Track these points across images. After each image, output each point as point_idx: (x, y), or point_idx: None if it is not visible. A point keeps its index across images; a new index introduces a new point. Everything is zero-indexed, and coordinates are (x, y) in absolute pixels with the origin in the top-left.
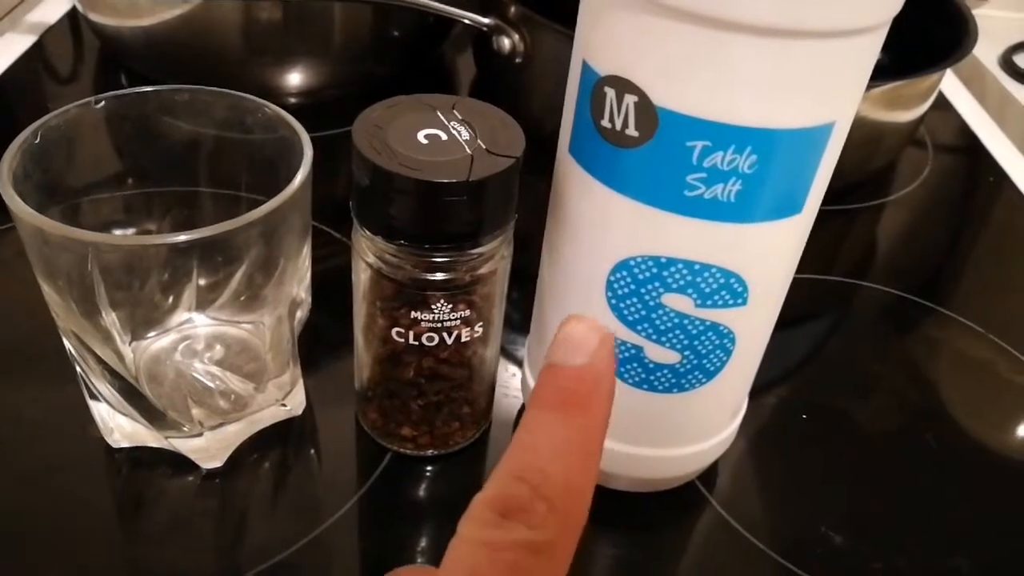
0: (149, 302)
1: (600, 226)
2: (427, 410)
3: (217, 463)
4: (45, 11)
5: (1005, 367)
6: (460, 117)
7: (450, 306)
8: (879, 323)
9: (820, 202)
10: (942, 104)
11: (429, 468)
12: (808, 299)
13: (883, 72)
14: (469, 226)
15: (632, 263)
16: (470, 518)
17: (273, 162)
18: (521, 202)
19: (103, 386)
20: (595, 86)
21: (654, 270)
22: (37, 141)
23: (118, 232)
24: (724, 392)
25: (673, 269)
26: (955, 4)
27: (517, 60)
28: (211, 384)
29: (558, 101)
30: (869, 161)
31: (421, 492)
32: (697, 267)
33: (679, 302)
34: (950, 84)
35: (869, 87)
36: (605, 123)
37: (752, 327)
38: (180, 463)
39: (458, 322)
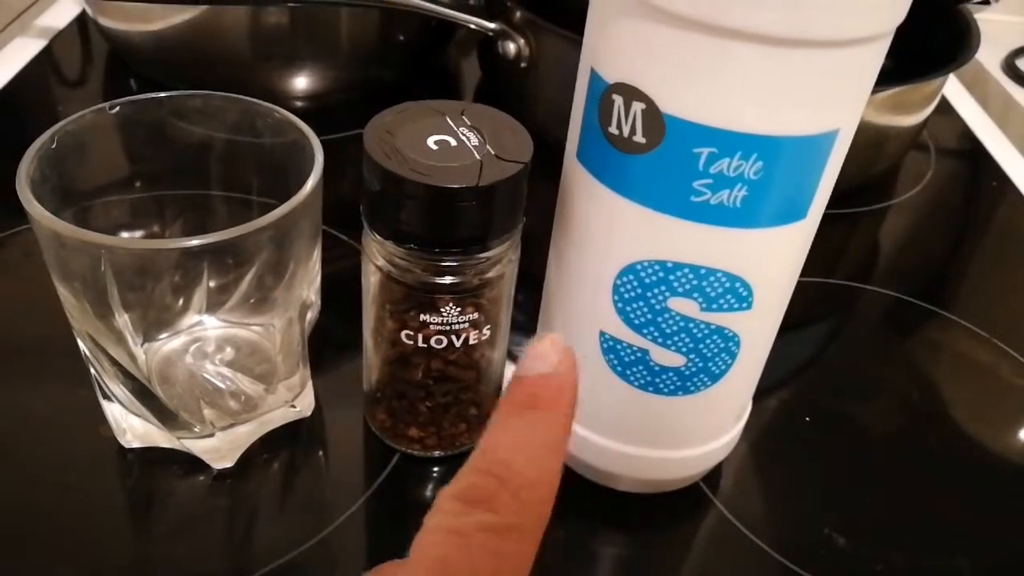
0: (161, 304)
1: (607, 230)
2: (435, 412)
3: (228, 463)
4: (54, 15)
5: (1007, 370)
6: (469, 123)
7: (458, 309)
8: (882, 326)
9: (824, 207)
10: (945, 108)
11: (436, 469)
12: (811, 302)
13: (886, 77)
14: (478, 230)
15: (639, 267)
16: (437, 510)
17: (283, 166)
18: (526, 205)
19: (116, 387)
20: (603, 93)
21: (660, 274)
22: (54, 146)
23: (130, 235)
24: (729, 395)
25: (679, 273)
26: (958, 9)
27: (522, 64)
28: (222, 385)
29: (563, 105)
30: (872, 165)
31: (428, 493)
32: (703, 271)
33: (685, 306)
34: (953, 88)
35: (872, 92)
36: (613, 130)
37: (757, 330)
38: (191, 463)
39: (466, 325)
